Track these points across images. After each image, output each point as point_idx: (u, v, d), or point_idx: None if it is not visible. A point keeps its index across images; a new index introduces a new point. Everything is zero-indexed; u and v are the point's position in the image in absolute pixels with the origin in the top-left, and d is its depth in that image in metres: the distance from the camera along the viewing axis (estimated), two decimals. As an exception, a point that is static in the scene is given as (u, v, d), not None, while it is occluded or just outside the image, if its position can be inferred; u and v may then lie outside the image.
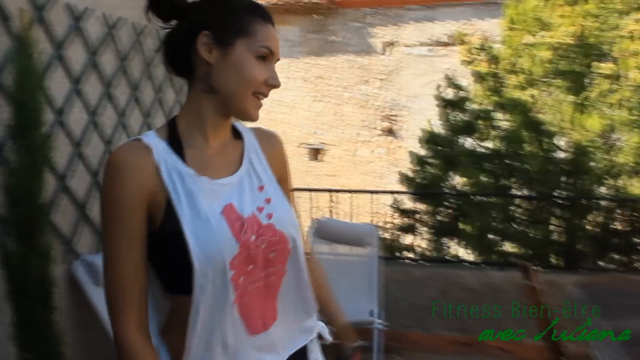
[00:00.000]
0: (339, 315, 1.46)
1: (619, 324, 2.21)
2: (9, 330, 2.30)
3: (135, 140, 1.13)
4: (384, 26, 9.67)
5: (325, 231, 4.00)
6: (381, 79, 9.77)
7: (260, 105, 1.17)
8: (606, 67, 4.55)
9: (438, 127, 5.45)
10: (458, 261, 4.77)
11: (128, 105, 3.16)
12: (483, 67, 5.09)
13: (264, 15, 1.16)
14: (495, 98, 5.00)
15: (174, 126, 1.17)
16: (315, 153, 10.03)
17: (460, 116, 5.15)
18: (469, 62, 5.22)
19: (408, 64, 9.61)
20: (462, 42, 5.27)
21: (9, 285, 2.22)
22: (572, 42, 4.64)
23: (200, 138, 1.17)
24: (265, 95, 1.16)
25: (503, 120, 5.05)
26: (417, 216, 5.28)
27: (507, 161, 4.96)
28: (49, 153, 2.30)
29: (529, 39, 4.87)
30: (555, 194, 4.89)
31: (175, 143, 1.14)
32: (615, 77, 4.57)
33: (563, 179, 4.84)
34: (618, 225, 4.88)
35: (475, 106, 5.14)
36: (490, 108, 5.02)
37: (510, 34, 5.12)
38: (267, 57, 1.15)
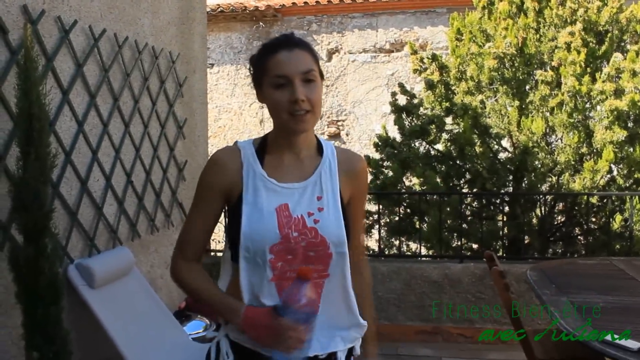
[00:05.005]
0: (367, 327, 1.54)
1: (575, 299, 2.56)
2: (15, 332, 2.40)
3: (234, 143, 1.47)
4: (329, 34, 9.95)
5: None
6: (327, 85, 10.03)
7: (300, 119, 1.37)
8: (546, 74, 4.96)
9: (391, 132, 5.72)
10: (419, 256, 5.03)
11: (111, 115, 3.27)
12: (435, 76, 5.42)
13: (271, 48, 1.39)
14: (446, 104, 5.34)
15: (266, 138, 1.47)
16: (263, 159, 10.13)
17: (414, 121, 5.45)
18: (420, 71, 5.54)
19: (352, 71, 9.92)
20: (414, 52, 5.57)
21: (19, 286, 2.31)
22: (514, 52, 5.05)
23: (281, 149, 1.45)
24: (300, 109, 1.35)
25: (453, 124, 5.39)
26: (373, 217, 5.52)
27: (458, 162, 5.31)
28: (55, 161, 2.40)
29: (474, 48, 5.25)
30: (502, 191, 5.27)
31: (261, 150, 1.45)
32: (554, 84, 4.99)
33: (509, 177, 5.23)
34: (559, 218, 5.32)
35: (427, 112, 5.45)
36: (441, 113, 5.34)
37: (458, 44, 5.48)
38: (284, 83, 1.35)
